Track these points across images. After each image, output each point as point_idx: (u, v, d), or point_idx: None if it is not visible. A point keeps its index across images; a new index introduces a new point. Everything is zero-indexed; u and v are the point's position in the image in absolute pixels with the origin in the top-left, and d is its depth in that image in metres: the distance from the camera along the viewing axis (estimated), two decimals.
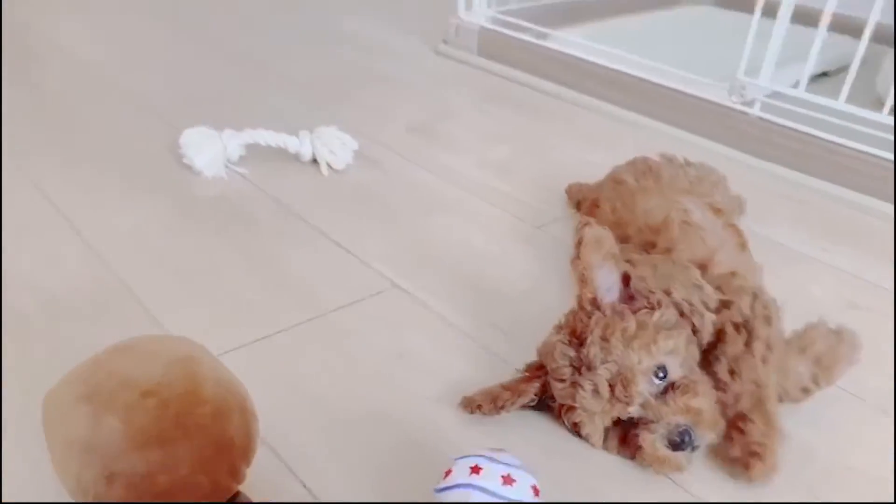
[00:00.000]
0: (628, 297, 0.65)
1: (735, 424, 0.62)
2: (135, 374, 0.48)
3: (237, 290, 0.81)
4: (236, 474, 0.51)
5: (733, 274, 0.70)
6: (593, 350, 0.59)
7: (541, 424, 0.66)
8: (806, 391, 0.66)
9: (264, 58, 1.59)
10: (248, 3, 2.02)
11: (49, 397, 0.49)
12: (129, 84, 1.37)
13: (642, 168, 0.89)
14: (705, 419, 0.59)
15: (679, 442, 0.58)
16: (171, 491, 0.46)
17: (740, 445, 0.61)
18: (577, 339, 0.62)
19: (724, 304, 0.66)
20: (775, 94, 1.23)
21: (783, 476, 0.61)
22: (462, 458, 0.52)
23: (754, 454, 0.60)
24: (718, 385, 0.62)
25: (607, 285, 0.64)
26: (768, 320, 0.66)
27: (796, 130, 1.18)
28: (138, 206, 0.95)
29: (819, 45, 1.14)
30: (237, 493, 0.52)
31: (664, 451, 0.59)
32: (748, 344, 0.63)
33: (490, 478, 0.49)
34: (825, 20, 1.12)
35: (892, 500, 0.57)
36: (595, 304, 0.63)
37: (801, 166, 1.17)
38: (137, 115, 1.24)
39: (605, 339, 0.60)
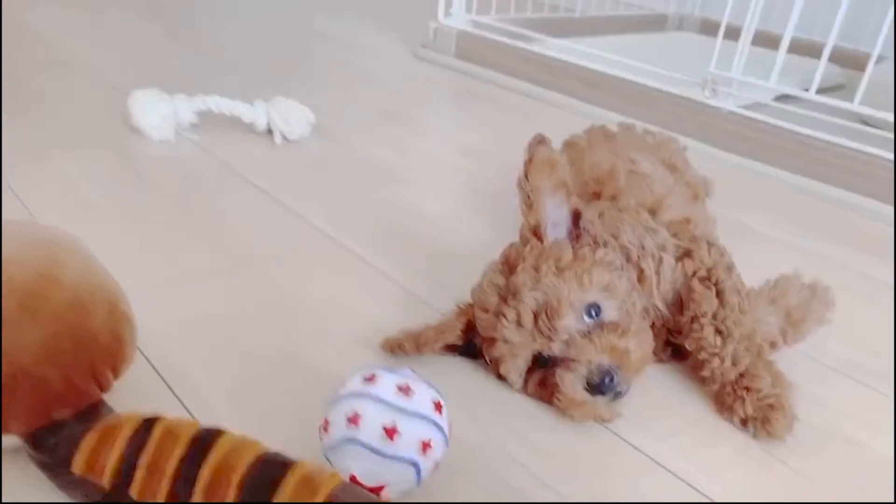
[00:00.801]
0: (576, 236, 0.59)
1: (739, 384, 0.56)
2: None
3: (165, 236, 0.76)
4: (98, 378, 0.45)
5: (686, 221, 0.65)
6: (522, 277, 0.54)
7: (467, 369, 0.60)
8: (773, 345, 0.61)
9: (233, 47, 1.56)
10: (228, 1, 2.03)
11: None
12: (93, 61, 1.34)
13: (597, 133, 0.85)
14: (632, 362, 0.53)
15: (598, 384, 0.51)
16: (9, 382, 0.40)
17: (752, 403, 0.55)
18: (510, 267, 0.56)
19: (684, 253, 0.61)
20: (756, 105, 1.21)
21: (742, 437, 0.55)
22: (360, 369, 0.46)
23: (772, 407, 0.54)
24: (708, 351, 0.57)
25: (554, 219, 0.59)
26: (730, 268, 0.61)
27: (768, 124, 1.15)
28: (76, 163, 0.91)
29: (782, 58, 1.13)
30: (99, 402, 0.45)
31: (581, 394, 0.52)
32: (719, 296, 0.58)
33: (384, 387, 0.44)
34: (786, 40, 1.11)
35: (893, 501, 0.51)
36: (537, 234, 0.57)
37: (773, 160, 1.13)
38: (94, 87, 1.20)
39: (536, 267, 0.54)
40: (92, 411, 0.44)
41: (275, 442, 0.41)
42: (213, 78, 1.32)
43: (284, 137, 1.04)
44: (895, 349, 0.68)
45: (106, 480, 0.40)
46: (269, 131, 1.05)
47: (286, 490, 0.38)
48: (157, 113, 0.99)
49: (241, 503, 0.38)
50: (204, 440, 0.41)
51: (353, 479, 0.42)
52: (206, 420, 0.43)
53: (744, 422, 0.55)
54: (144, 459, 0.40)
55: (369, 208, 0.87)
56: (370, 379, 0.44)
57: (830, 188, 1.07)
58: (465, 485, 0.48)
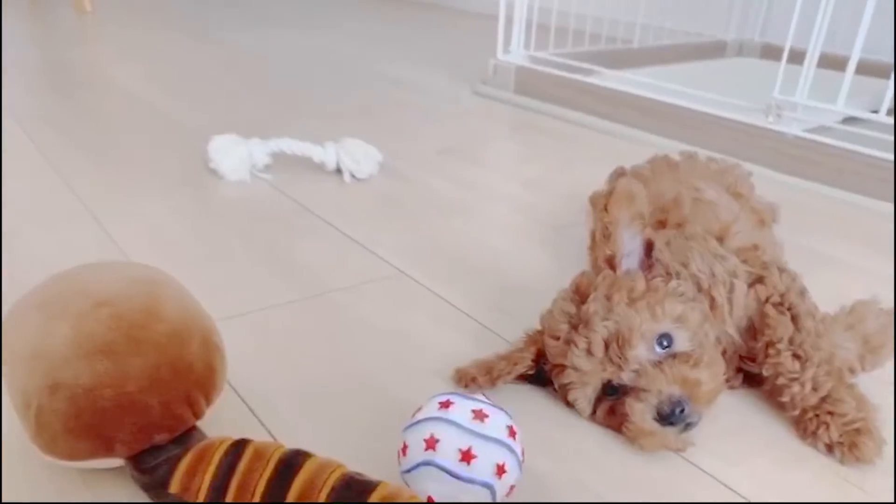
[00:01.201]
0: (647, 266, 0.60)
1: (822, 409, 0.56)
2: (94, 286, 0.47)
3: (245, 271, 0.80)
4: (193, 405, 0.48)
5: (755, 247, 0.65)
6: (594, 306, 0.55)
7: (537, 397, 0.61)
8: (851, 371, 0.60)
9: (303, 92, 1.64)
10: (295, 50, 2.12)
11: (10, 310, 0.48)
12: (170, 111, 1.43)
13: (660, 162, 0.85)
14: (703, 393, 0.53)
15: (668, 414, 0.51)
16: (117, 408, 0.44)
17: (837, 428, 0.54)
18: (581, 296, 0.57)
19: (756, 280, 0.61)
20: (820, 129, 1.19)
21: (814, 457, 0.54)
22: (435, 395, 0.48)
23: (858, 432, 0.54)
24: (787, 377, 0.57)
25: (629, 249, 0.59)
26: (803, 293, 0.60)
27: (836, 147, 1.13)
28: (160, 203, 0.97)
29: (849, 80, 1.12)
30: (193, 428, 0.49)
31: (651, 424, 0.52)
32: (795, 321, 0.58)
33: (460, 412, 0.45)
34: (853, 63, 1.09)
35: (893, 501, 0.50)
36: (611, 264, 0.58)
37: (841, 183, 1.11)
38: (173, 134, 1.28)
39: (608, 297, 0.55)
40: (187, 436, 0.48)
41: (355, 465, 0.44)
42: (284, 122, 1.39)
43: (353, 176, 1.09)
44: (895, 346, 0.66)
45: (201, 499, 0.43)
46: (339, 170, 1.10)
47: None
48: (234, 156, 1.05)
49: None
50: (291, 461, 0.43)
51: (430, 500, 0.44)
52: (290, 444, 0.45)
53: (829, 447, 0.55)
54: (235, 480, 0.43)
55: (436, 242, 0.90)
56: (446, 404, 0.46)
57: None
58: None
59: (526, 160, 1.26)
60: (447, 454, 0.44)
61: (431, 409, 0.46)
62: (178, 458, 0.45)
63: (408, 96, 1.66)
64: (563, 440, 0.56)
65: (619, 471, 0.53)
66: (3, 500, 0.48)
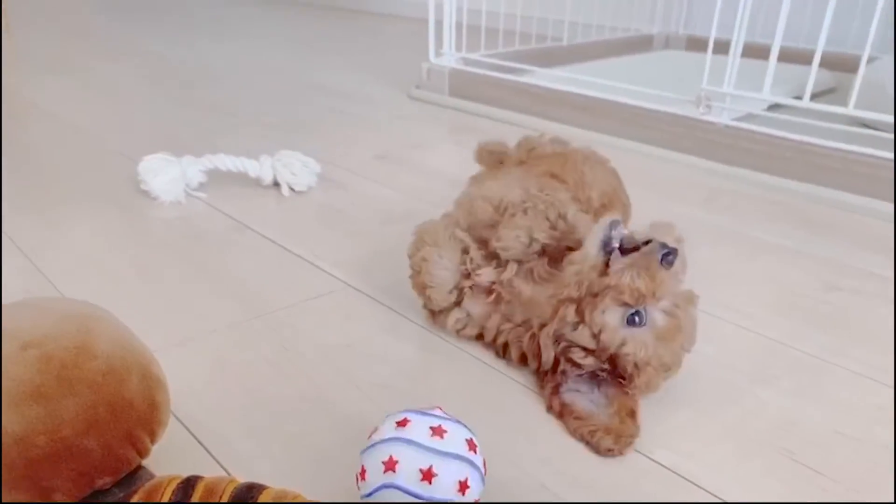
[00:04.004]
0: None
1: None
2: (21, 325, 0.44)
3: (184, 295, 0.77)
4: (136, 444, 0.45)
5: None
6: None
7: (494, 405, 0.60)
8: None
9: (234, 105, 1.60)
10: (223, 61, 2.07)
11: None
12: (96, 131, 1.37)
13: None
14: None
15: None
16: (52, 455, 0.41)
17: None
18: None
19: None
20: (748, 117, 1.23)
21: (768, 443, 0.55)
22: (390, 414, 0.47)
23: None
24: None
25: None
26: None
27: (764, 134, 1.16)
28: (90, 230, 0.92)
29: (773, 68, 1.15)
30: (139, 468, 0.46)
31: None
32: None
33: (417, 430, 0.44)
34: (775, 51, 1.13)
35: (893, 501, 0.51)
36: None
37: (772, 168, 1.15)
38: (101, 156, 1.23)
39: None
40: (133, 477, 0.45)
41: (313, 491, 0.42)
42: (217, 137, 1.35)
43: (291, 189, 1.06)
44: (895, 348, 0.69)
45: None
46: (276, 184, 1.07)
47: None
48: (167, 176, 1.01)
49: None
50: (245, 497, 0.41)
51: None
52: (244, 476, 0.44)
53: None
54: None
55: (379, 250, 0.89)
56: (403, 423, 0.45)
57: (833, 192, 1.08)
58: None
59: (464, 162, 1.25)
60: (408, 475, 0.42)
61: (388, 430, 0.45)
62: (125, 502, 0.43)
63: (342, 104, 1.64)
64: (524, 447, 0.55)
65: (582, 473, 0.53)
66: (3, 501, 0.44)
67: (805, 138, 1.12)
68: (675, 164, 1.25)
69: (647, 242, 0.56)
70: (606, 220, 0.58)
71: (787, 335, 0.71)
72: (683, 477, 0.52)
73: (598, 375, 0.59)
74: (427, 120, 1.54)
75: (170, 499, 0.42)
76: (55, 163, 1.18)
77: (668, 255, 0.55)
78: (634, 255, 0.57)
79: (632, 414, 0.56)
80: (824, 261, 0.88)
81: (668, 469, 0.53)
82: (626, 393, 0.57)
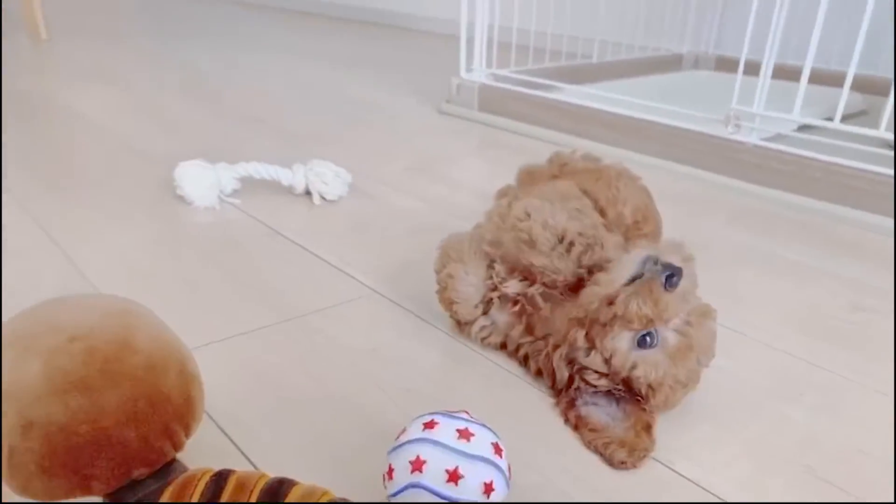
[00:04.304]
0: None
1: None
2: (66, 320, 0.46)
3: (217, 297, 0.79)
4: (172, 437, 0.47)
5: None
6: None
7: (518, 412, 0.61)
8: None
9: (268, 117, 1.63)
10: (258, 72, 2.12)
11: None
12: (132, 138, 1.41)
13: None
14: None
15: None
16: (93, 444, 0.43)
17: None
18: None
19: None
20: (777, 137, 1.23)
21: (790, 460, 0.55)
22: (418, 416, 0.48)
23: None
24: None
25: None
26: None
27: (793, 155, 1.16)
28: (127, 232, 0.95)
29: (803, 89, 1.15)
30: (173, 461, 0.48)
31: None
32: None
33: (445, 432, 0.45)
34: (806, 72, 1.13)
35: (893, 501, 0.51)
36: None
37: (800, 189, 1.15)
38: (137, 161, 1.26)
39: None
40: (167, 469, 0.47)
41: (340, 489, 0.43)
42: (252, 146, 1.38)
43: (323, 198, 1.08)
44: (895, 352, 0.68)
45: None
46: (308, 193, 1.09)
47: None
48: (202, 182, 1.04)
49: None
50: (276, 491, 0.42)
51: None
52: (273, 472, 0.45)
53: None
54: None
55: (406, 259, 0.90)
56: (430, 425, 0.46)
57: (859, 213, 1.08)
58: None
59: (492, 176, 1.27)
60: (434, 475, 0.44)
61: (416, 431, 0.46)
62: (159, 493, 0.44)
63: (374, 117, 1.67)
64: (547, 455, 0.56)
65: (604, 483, 0.53)
66: (3, 501, 0.46)
67: (834, 159, 1.12)
68: (702, 183, 1.25)
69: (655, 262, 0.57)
70: (643, 253, 0.58)
71: (811, 353, 0.71)
72: (705, 489, 0.53)
73: (613, 393, 0.59)
74: (456, 134, 1.56)
75: (202, 491, 0.43)
76: (94, 168, 1.22)
77: (672, 278, 0.56)
78: (638, 281, 0.57)
79: (647, 428, 0.57)
80: (849, 281, 0.88)
81: (690, 480, 0.53)
82: (644, 409, 0.58)
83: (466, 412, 0.49)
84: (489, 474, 0.44)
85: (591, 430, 0.58)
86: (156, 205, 1.05)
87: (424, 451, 0.44)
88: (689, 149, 1.29)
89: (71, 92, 1.78)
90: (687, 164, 1.29)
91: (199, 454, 0.52)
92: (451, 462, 0.44)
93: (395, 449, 0.46)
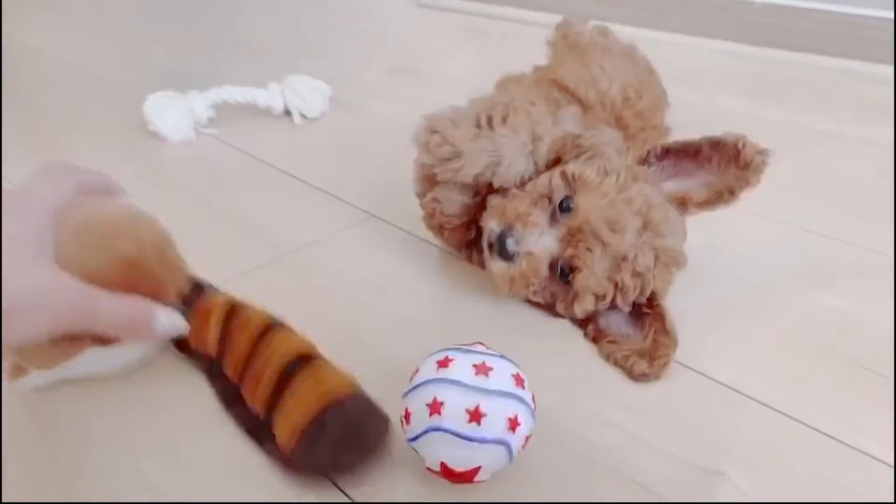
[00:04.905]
0: None
1: None
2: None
3: (202, 237, 0.74)
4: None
5: None
6: None
7: (537, 334, 0.58)
8: None
9: (232, 29, 1.53)
10: None
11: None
12: (92, 70, 1.32)
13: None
14: None
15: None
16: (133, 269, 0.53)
17: None
18: None
19: None
20: None
21: (831, 351, 0.52)
22: (431, 354, 0.44)
23: None
24: None
25: None
26: None
27: (801, 8, 1.08)
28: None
29: None
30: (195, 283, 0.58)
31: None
32: None
33: (460, 369, 0.42)
34: None
35: (893, 501, 0.48)
36: None
37: (811, 47, 1.07)
38: (101, 96, 1.18)
39: None
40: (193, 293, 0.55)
41: None
42: (220, 68, 1.29)
43: (303, 116, 1.02)
44: (895, 347, 0.64)
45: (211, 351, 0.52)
46: (287, 112, 1.02)
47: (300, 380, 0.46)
48: (174, 114, 0.97)
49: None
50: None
51: (443, 466, 0.41)
52: None
53: None
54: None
55: (401, 176, 0.84)
56: (444, 363, 0.42)
57: (885, 67, 1.00)
58: (557, 453, 0.46)
59: (484, 71, 1.19)
60: (454, 417, 0.40)
61: (430, 370, 0.43)
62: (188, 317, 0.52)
63: (346, 19, 1.56)
64: (569, 376, 0.53)
65: (633, 398, 0.50)
66: (3, 501, 0.44)
67: (853, 10, 1.03)
68: (710, 53, 1.17)
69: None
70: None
71: (839, 229, 0.66)
72: (744, 394, 0.50)
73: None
74: (438, 28, 1.45)
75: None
76: (55, 106, 1.14)
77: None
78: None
79: (662, 328, 0.53)
80: (874, 143, 0.82)
81: (728, 386, 0.50)
82: (653, 309, 0.55)
83: (482, 343, 0.45)
84: (513, 409, 0.41)
85: (611, 342, 0.54)
86: (127, 143, 0.99)
87: (441, 392, 0.41)
88: (692, 16, 1.19)
89: (23, 24, 1.66)
90: (690, 33, 1.20)
91: None
92: (470, 401, 0.41)
93: (410, 391, 0.43)
